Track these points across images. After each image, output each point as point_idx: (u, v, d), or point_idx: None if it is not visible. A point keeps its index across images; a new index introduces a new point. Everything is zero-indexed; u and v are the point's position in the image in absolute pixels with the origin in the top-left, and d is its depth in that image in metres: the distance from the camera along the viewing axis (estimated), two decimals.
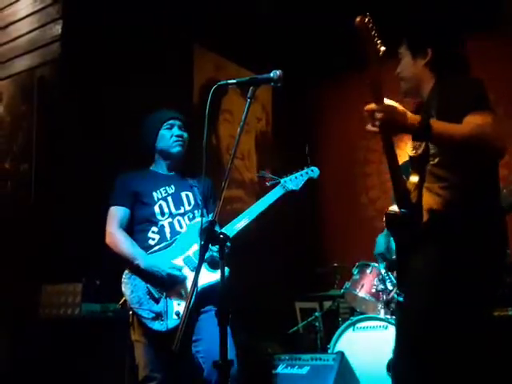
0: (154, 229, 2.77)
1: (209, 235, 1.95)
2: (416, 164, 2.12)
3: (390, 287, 3.70)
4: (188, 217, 2.82)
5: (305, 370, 3.50)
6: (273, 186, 2.89)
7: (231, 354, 2.51)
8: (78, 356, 3.09)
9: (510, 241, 2.08)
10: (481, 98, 1.97)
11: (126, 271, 2.73)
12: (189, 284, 2.66)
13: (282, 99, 5.48)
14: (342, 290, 4.15)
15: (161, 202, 2.81)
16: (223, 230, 2.68)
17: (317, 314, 4.52)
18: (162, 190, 2.83)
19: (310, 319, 4.54)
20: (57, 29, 3.86)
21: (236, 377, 2.49)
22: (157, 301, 2.64)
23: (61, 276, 3.35)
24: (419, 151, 2.13)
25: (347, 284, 4.11)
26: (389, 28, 2.13)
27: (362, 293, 3.96)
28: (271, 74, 2.08)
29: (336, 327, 3.99)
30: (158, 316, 2.59)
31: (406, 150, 2.21)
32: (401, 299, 3.33)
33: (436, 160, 2.03)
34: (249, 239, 2.79)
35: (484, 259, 1.97)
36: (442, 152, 2.02)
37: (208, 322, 2.55)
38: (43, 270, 3.53)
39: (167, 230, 2.77)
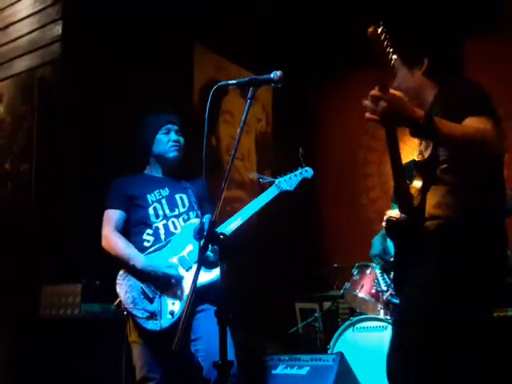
0: (149, 231, 2.80)
1: (209, 235, 1.95)
2: (421, 168, 2.11)
3: (384, 288, 3.71)
4: (183, 218, 2.84)
5: (304, 371, 3.49)
6: (267, 187, 2.90)
7: (230, 354, 2.52)
8: (77, 356, 3.09)
9: (510, 241, 2.08)
10: (481, 102, 1.96)
11: (121, 272, 2.76)
12: (184, 283, 2.68)
13: (283, 100, 5.48)
14: (342, 291, 4.15)
15: (155, 204, 2.84)
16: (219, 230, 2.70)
17: (316, 314, 4.52)
18: (156, 192, 2.86)
19: (309, 320, 4.54)
20: (57, 29, 3.87)
21: (236, 376, 2.50)
22: (151, 300, 2.65)
23: (61, 276, 3.35)
24: (425, 155, 2.12)
25: (347, 284, 4.11)
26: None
27: (361, 293, 3.97)
28: (271, 75, 2.08)
29: (336, 328, 3.99)
30: (153, 315, 2.61)
31: (406, 151, 2.20)
32: (396, 301, 3.34)
33: (445, 165, 2.02)
34: (249, 240, 2.79)
35: (485, 262, 1.97)
36: (451, 157, 2.01)
37: (205, 321, 2.56)
38: (43, 270, 3.54)
39: (162, 231, 2.80)
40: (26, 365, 3.37)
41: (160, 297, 2.66)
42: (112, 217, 2.82)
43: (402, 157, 1.98)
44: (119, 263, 2.76)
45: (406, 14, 4.14)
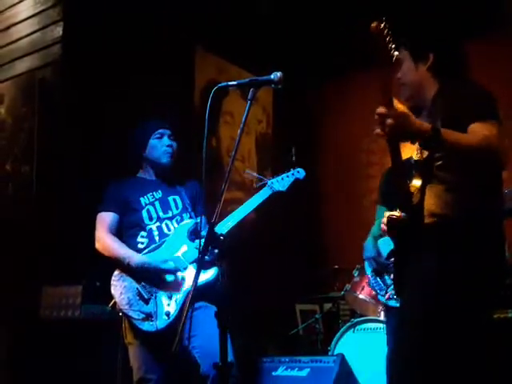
0: (143, 233, 2.81)
1: (208, 237, 1.95)
2: (420, 167, 2.12)
3: (378, 291, 3.69)
4: (176, 220, 2.86)
5: (305, 372, 3.49)
6: (259, 188, 2.92)
7: (229, 354, 2.52)
8: (78, 357, 3.09)
9: (510, 242, 2.09)
10: (486, 105, 1.98)
11: (115, 273, 2.76)
12: (180, 282, 2.68)
13: (283, 101, 5.48)
14: (343, 292, 4.15)
15: (148, 206, 2.85)
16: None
17: (317, 316, 4.51)
18: (149, 195, 2.88)
19: (310, 321, 4.54)
20: (58, 31, 3.87)
21: (235, 377, 2.50)
22: (146, 301, 2.66)
23: (61, 277, 3.35)
24: (425, 154, 2.13)
25: (347, 286, 4.10)
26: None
27: (362, 295, 3.96)
28: (272, 76, 2.08)
29: (336, 329, 3.99)
30: (148, 317, 2.61)
31: (406, 151, 2.20)
32: (392, 303, 3.33)
33: (440, 162, 2.04)
34: (250, 241, 2.79)
35: (484, 261, 1.97)
36: (446, 155, 2.02)
37: (202, 318, 2.55)
38: (43, 271, 3.54)
39: (156, 233, 2.81)
40: (27, 366, 3.37)
41: (155, 298, 2.66)
42: (105, 219, 2.83)
43: (402, 155, 2.00)
44: (115, 264, 2.76)
45: (413, 11, 4.17)
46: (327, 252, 5.65)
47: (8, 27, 4.21)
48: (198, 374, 2.56)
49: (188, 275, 2.70)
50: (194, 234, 2.78)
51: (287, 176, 2.96)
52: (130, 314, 2.64)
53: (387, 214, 2.14)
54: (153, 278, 2.68)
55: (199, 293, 2.51)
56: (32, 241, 3.69)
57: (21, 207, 3.86)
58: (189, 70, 4.72)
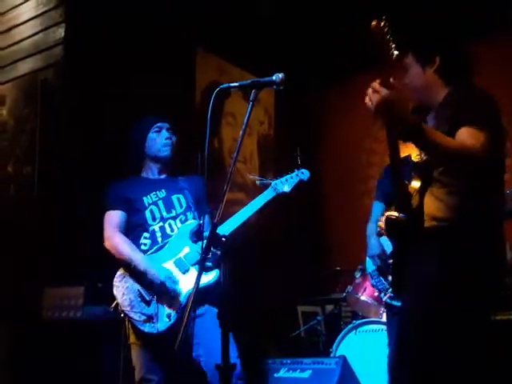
0: (146, 234, 2.80)
1: (211, 238, 1.95)
2: (420, 169, 2.13)
3: (381, 290, 3.68)
4: (180, 219, 2.84)
5: (307, 374, 3.49)
6: (263, 189, 2.90)
7: (233, 356, 2.52)
8: (79, 358, 3.09)
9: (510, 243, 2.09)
10: (480, 112, 1.98)
11: (118, 273, 2.76)
12: (181, 286, 2.67)
13: (285, 102, 5.48)
14: (344, 294, 4.14)
15: (152, 206, 2.83)
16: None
17: (319, 317, 4.51)
18: (152, 194, 2.86)
19: (312, 323, 4.53)
20: (60, 32, 3.87)
21: (241, 379, 2.50)
22: (148, 303, 2.65)
23: (63, 279, 3.35)
24: (424, 157, 2.13)
25: (349, 288, 4.10)
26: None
27: (364, 296, 3.96)
28: (273, 77, 2.07)
29: (338, 331, 3.98)
30: (150, 319, 2.61)
31: (405, 150, 2.21)
32: (396, 303, 3.32)
33: (442, 167, 2.04)
34: (251, 242, 2.79)
35: (485, 265, 1.98)
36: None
37: (205, 325, 2.55)
38: (45, 272, 3.54)
39: (158, 234, 2.80)
40: (28, 367, 3.37)
41: (157, 300, 2.65)
42: (114, 218, 2.82)
43: (401, 154, 2.01)
44: (120, 264, 2.76)
45: (416, 13, 4.18)
46: (329, 253, 5.65)
47: (10, 29, 4.21)
48: (206, 382, 2.55)
49: (184, 286, 2.68)
50: (196, 236, 2.77)
51: (291, 177, 2.92)
52: (132, 315, 2.64)
53: (386, 214, 2.14)
54: (153, 287, 2.67)
55: (201, 296, 2.52)
56: (34, 241, 3.69)
57: (22, 208, 3.86)
58: (190, 71, 4.73)
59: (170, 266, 2.73)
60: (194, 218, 2.86)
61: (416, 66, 2.17)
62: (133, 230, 2.83)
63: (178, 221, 2.83)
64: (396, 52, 1.80)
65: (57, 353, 3.16)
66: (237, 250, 2.56)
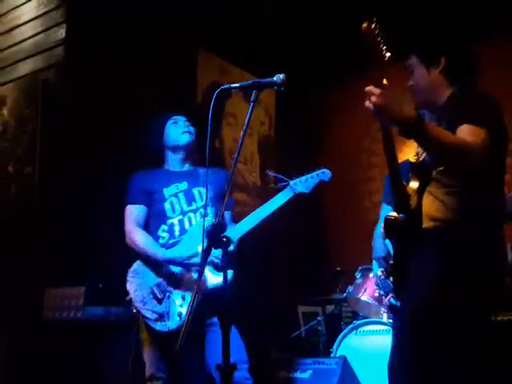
0: (164, 227, 2.79)
1: (211, 238, 1.95)
2: (417, 170, 2.13)
3: (387, 292, 3.69)
4: (200, 213, 2.80)
5: (307, 374, 3.49)
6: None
7: (243, 355, 2.52)
8: (79, 358, 3.09)
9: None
10: (481, 111, 1.98)
11: (131, 269, 2.75)
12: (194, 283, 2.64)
13: (285, 103, 5.48)
14: (345, 294, 4.14)
15: (172, 198, 2.81)
16: (227, 233, 2.68)
17: (319, 318, 4.51)
18: (173, 186, 2.84)
19: (312, 323, 4.53)
20: (61, 32, 3.88)
21: (249, 379, 2.50)
22: (159, 301, 2.65)
23: (64, 279, 3.35)
24: (421, 157, 2.14)
25: (350, 288, 4.10)
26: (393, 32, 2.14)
27: (364, 297, 3.96)
28: (274, 78, 2.07)
29: (339, 331, 3.98)
30: (161, 317, 2.60)
31: (404, 151, 2.21)
32: (398, 304, 3.33)
33: (442, 168, 2.04)
34: (251, 242, 2.78)
35: (485, 266, 1.98)
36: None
37: (218, 335, 2.53)
38: (46, 272, 3.54)
39: (176, 228, 2.77)
40: (28, 367, 3.37)
41: (168, 298, 2.65)
42: (133, 212, 2.81)
43: (401, 157, 2.00)
44: (141, 258, 2.76)
45: (419, 14, 4.18)
46: (329, 254, 5.65)
47: (11, 29, 4.22)
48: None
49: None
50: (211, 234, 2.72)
51: (311, 177, 2.82)
52: (144, 312, 2.64)
53: (382, 210, 2.15)
54: (172, 275, 2.65)
55: (213, 300, 2.50)
56: (34, 241, 3.69)
57: (23, 208, 3.86)
58: (191, 71, 4.73)
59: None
60: (213, 213, 2.82)
61: (420, 67, 2.17)
62: (153, 221, 2.82)
63: (197, 214, 2.80)
64: (388, 54, 1.80)
65: (57, 353, 3.16)
66: (243, 251, 2.57)
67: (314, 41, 5.16)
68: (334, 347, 3.82)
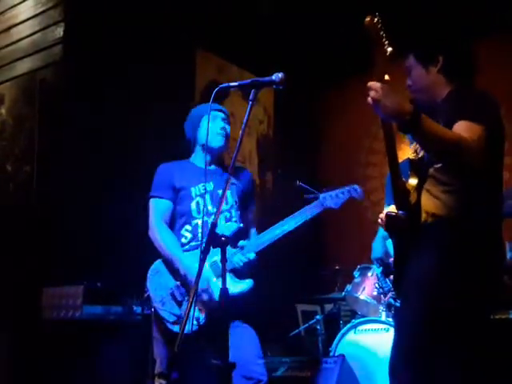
0: (188, 227, 2.72)
1: (209, 238, 1.94)
2: (416, 167, 2.13)
3: (386, 291, 3.70)
4: (225, 217, 2.73)
5: (306, 373, 3.49)
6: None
7: (259, 351, 2.57)
8: (79, 358, 3.09)
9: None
10: (479, 109, 1.98)
11: (153, 267, 2.70)
12: (215, 291, 2.56)
13: (284, 101, 5.48)
14: (344, 293, 4.14)
15: (198, 199, 2.73)
16: (253, 241, 2.66)
17: (318, 316, 4.51)
18: (200, 186, 2.74)
19: (311, 322, 4.53)
20: (58, 31, 3.87)
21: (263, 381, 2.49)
22: (179, 304, 2.61)
23: (62, 278, 3.35)
24: (420, 154, 2.14)
25: (348, 287, 4.10)
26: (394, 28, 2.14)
27: (363, 295, 3.96)
28: (273, 77, 2.06)
29: (337, 330, 3.98)
30: (179, 319, 2.55)
31: (405, 150, 2.21)
32: (398, 304, 3.33)
33: (439, 164, 2.04)
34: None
35: (483, 263, 1.98)
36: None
37: (237, 333, 2.48)
38: (44, 272, 3.54)
39: (200, 230, 2.68)
40: (28, 367, 3.37)
41: (188, 301, 2.61)
42: (160, 207, 2.73)
43: (402, 156, 2.00)
44: (161, 257, 2.70)
45: (417, 13, 4.18)
46: (328, 252, 5.65)
47: (9, 28, 4.21)
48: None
49: (217, 291, 2.61)
50: (233, 240, 2.61)
51: (342, 193, 2.74)
52: (162, 313, 2.59)
53: (385, 211, 2.15)
54: (190, 282, 2.57)
55: (233, 307, 2.46)
56: (33, 241, 3.69)
57: (21, 207, 3.86)
58: (190, 70, 4.72)
59: (205, 268, 2.61)
60: (237, 218, 2.76)
61: (418, 66, 2.17)
62: (177, 219, 2.75)
63: (222, 217, 2.72)
64: (390, 48, 1.80)
65: (56, 352, 3.15)
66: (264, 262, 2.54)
67: (313, 39, 5.15)
68: (333, 346, 3.82)
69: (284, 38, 5.06)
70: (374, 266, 3.62)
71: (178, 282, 2.63)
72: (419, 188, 2.08)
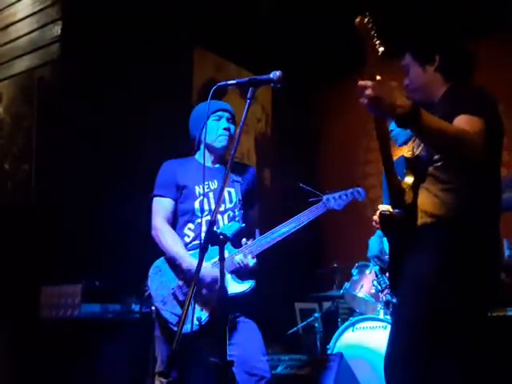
0: (191, 226, 2.70)
1: (208, 236, 1.93)
2: (412, 165, 2.13)
3: (383, 289, 3.70)
4: (228, 215, 2.73)
5: (304, 371, 3.49)
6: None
7: (263, 348, 2.61)
8: (77, 357, 3.09)
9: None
10: (478, 103, 1.98)
11: (154, 265, 2.68)
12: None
13: (282, 100, 5.48)
14: (342, 291, 4.15)
15: (202, 197, 2.71)
16: (257, 242, 2.66)
17: (316, 314, 4.51)
18: (204, 185, 2.72)
19: (309, 320, 4.54)
20: (56, 29, 3.87)
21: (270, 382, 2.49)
22: (181, 304, 2.58)
23: (60, 277, 3.35)
24: (416, 152, 2.14)
25: (347, 284, 4.10)
26: (389, 28, 2.14)
27: (361, 293, 3.96)
28: (271, 75, 2.06)
29: (335, 328, 3.99)
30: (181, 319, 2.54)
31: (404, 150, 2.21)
32: (395, 301, 3.34)
33: (439, 163, 2.04)
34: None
35: (480, 261, 1.98)
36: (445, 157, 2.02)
37: (240, 329, 2.51)
38: (43, 271, 3.53)
39: (203, 229, 2.61)
40: (26, 365, 3.37)
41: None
42: (162, 206, 2.71)
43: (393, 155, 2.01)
44: (164, 255, 2.69)
45: (413, 13, 4.18)
46: (326, 250, 5.66)
47: (7, 26, 4.21)
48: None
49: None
50: (236, 238, 2.63)
51: (345, 195, 2.78)
52: (163, 313, 2.57)
53: (380, 209, 2.15)
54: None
55: (234, 303, 2.44)
56: (31, 240, 3.69)
57: (20, 206, 3.86)
58: (187, 68, 4.72)
59: (207, 266, 2.58)
60: (241, 217, 2.75)
61: (415, 66, 2.17)
62: (180, 218, 2.73)
63: (225, 216, 2.72)
64: (381, 48, 1.80)
65: (55, 351, 3.15)
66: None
67: (312, 38, 5.15)
68: (331, 344, 3.83)
69: (282, 37, 5.06)
70: (372, 264, 3.63)
71: (181, 282, 2.62)
72: (415, 187, 2.08)
